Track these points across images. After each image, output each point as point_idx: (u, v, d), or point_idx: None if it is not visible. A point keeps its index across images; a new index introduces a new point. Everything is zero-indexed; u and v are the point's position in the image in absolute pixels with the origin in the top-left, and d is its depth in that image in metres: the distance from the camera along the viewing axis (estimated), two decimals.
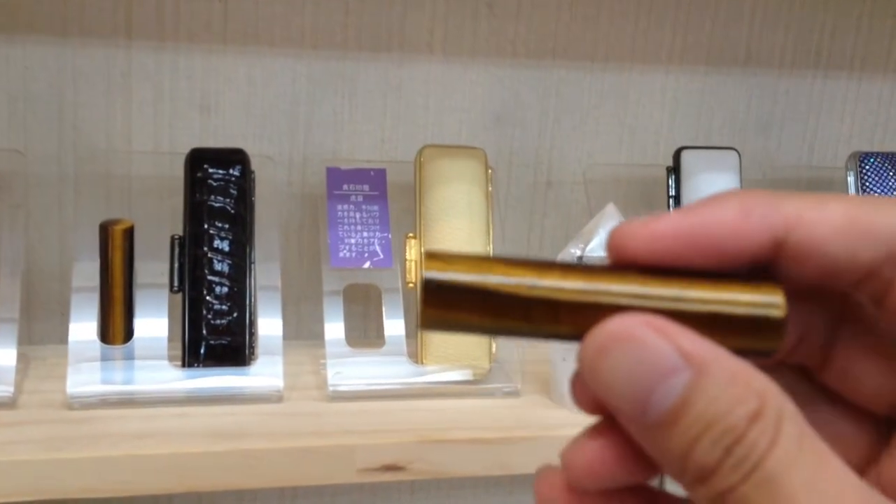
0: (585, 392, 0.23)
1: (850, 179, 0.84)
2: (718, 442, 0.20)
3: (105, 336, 0.67)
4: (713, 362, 0.21)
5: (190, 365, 0.67)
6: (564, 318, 0.22)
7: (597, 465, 0.23)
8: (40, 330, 0.78)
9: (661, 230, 0.23)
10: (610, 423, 0.23)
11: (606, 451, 0.23)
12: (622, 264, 0.23)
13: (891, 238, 0.22)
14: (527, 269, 0.23)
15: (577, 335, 0.22)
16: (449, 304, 0.22)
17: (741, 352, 0.22)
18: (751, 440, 0.20)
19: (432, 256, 0.22)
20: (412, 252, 0.73)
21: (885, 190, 0.83)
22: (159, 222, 0.71)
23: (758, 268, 0.23)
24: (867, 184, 0.83)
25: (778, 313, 0.22)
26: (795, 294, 0.23)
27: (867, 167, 0.84)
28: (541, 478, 0.24)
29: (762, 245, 0.23)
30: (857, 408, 0.25)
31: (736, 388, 0.21)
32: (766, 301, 0.22)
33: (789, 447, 0.20)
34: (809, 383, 0.26)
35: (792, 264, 0.23)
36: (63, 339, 0.75)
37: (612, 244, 0.23)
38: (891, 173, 0.83)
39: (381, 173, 0.76)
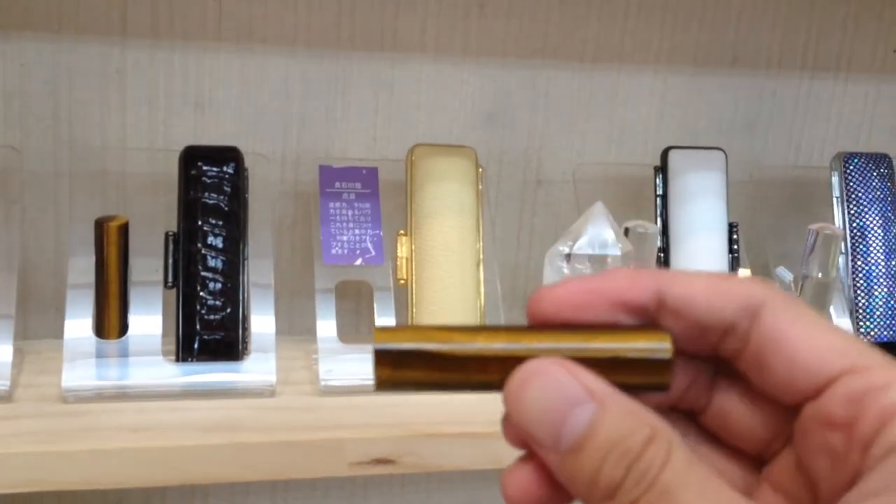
0: (512, 429, 0.27)
1: (835, 180, 0.85)
2: (620, 462, 0.24)
3: (100, 331, 0.68)
4: (609, 398, 0.25)
5: (184, 360, 0.68)
6: (493, 370, 0.27)
7: (526, 487, 0.27)
8: (35, 325, 0.79)
9: (565, 293, 0.28)
10: (533, 454, 0.27)
11: (533, 476, 0.27)
12: (540, 323, 0.28)
13: (744, 298, 0.27)
14: (460, 334, 0.27)
15: (503, 383, 0.27)
16: (397, 366, 0.28)
17: (640, 387, 0.27)
18: (647, 459, 0.24)
19: (381, 330, 0.28)
20: (404, 249, 0.74)
21: (869, 189, 0.84)
22: (153, 219, 0.72)
23: (650, 323, 0.28)
24: (851, 184, 0.84)
25: (666, 354, 0.27)
26: (684, 346, 0.28)
27: (851, 167, 0.85)
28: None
29: (647, 301, 0.28)
30: (733, 447, 0.29)
31: (632, 419, 0.25)
32: (656, 346, 0.27)
33: (679, 466, 0.24)
34: (696, 426, 0.30)
35: (672, 320, 0.28)
36: (57, 334, 0.76)
37: (529, 308, 0.28)
38: (874, 174, 0.85)
39: (373, 171, 0.77)
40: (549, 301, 0.28)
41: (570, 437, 0.25)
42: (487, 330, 0.28)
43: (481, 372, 0.27)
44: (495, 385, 0.27)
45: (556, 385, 0.25)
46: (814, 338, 0.26)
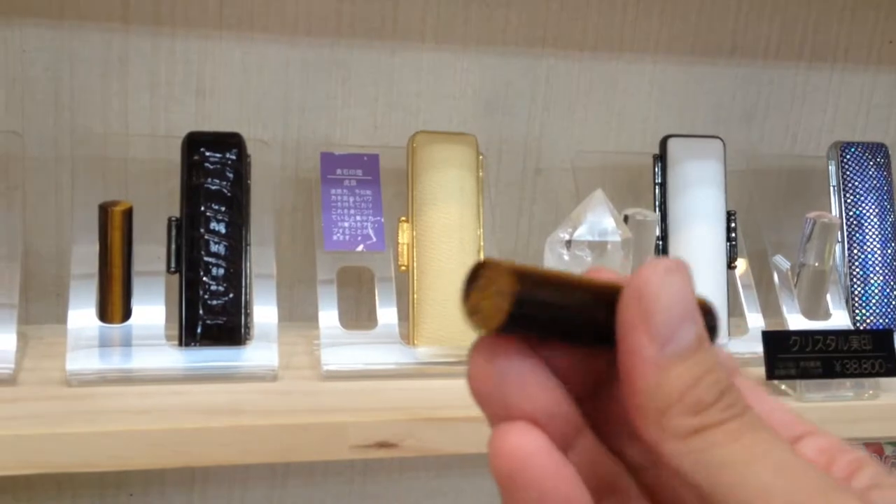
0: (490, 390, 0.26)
1: (832, 169, 0.86)
2: (714, 386, 0.25)
3: (104, 315, 0.68)
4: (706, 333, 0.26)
5: (187, 344, 0.68)
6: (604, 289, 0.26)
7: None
8: (36, 310, 0.79)
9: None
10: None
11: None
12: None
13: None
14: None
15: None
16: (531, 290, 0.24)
17: None
18: (735, 394, 0.25)
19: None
20: (405, 236, 0.74)
21: (865, 178, 0.85)
22: (155, 204, 0.72)
23: None
24: (847, 173, 0.85)
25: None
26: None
27: (848, 157, 0.86)
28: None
29: None
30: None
31: (719, 360, 0.25)
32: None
33: (757, 414, 0.25)
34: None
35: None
36: (59, 319, 0.76)
37: None
38: (870, 163, 0.86)
39: (374, 158, 0.78)
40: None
41: (682, 342, 0.25)
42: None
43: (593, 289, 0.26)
44: (607, 299, 0.26)
45: (690, 286, 0.25)
46: (782, 406, 0.29)
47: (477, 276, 0.24)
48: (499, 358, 0.25)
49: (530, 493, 0.25)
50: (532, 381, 0.25)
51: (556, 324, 0.25)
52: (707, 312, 0.27)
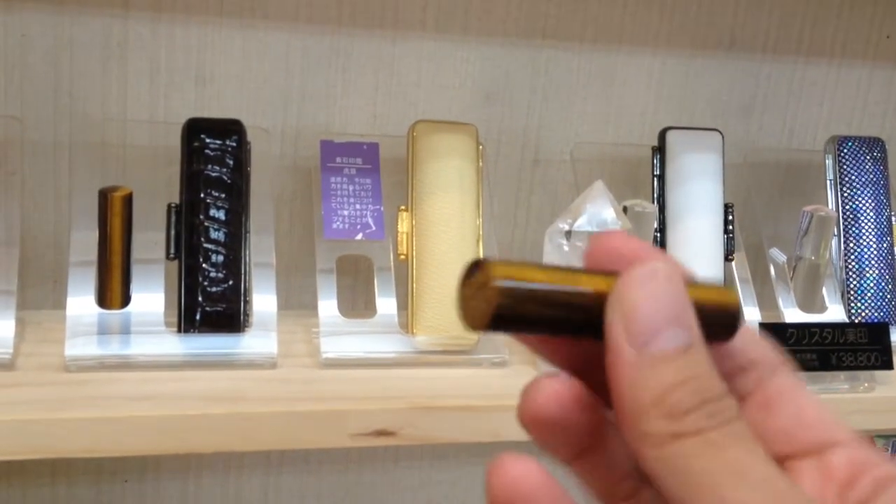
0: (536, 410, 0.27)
1: (828, 162, 0.86)
2: (697, 393, 0.24)
3: (103, 301, 0.68)
4: (701, 340, 0.25)
5: (186, 331, 0.68)
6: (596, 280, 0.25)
7: (558, 396, 0.26)
8: (33, 296, 0.79)
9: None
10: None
11: (567, 387, 0.26)
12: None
13: (769, 349, 0.28)
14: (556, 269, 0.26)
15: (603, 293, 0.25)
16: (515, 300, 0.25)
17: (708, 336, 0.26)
18: (723, 405, 0.24)
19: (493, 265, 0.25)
20: (404, 225, 0.74)
21: (861, 172, 0.85)
22: (153, 191, 0.72)
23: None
24: (844, 167, 0.85)
25: (735, 307, 0.27)
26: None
27: (845, 151, 0.86)
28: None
29: None
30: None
31: (714, 369, 0.25)
32: (727, 298, 0.27)
33: (748, 427, 0.24)
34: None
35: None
36: (56, 304, 0.76)
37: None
38: (867, 157, 0.86)
39: (373, 147, 0.78)
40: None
41: (665, 343, 0.24)
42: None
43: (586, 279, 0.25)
44: (598, 291, 0.25)
45: (679, 291, 0.25)
46: (822, 407, 0.28)
47: (471, 274, 0.25)
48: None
49: None
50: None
51: (543, 326, 0.25)
52: (723, 310, 0.27)
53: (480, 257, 0.27)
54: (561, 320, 0.25)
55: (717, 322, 0.26)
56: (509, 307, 0.24)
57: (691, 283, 0.26)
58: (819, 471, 0.26)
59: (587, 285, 0.25)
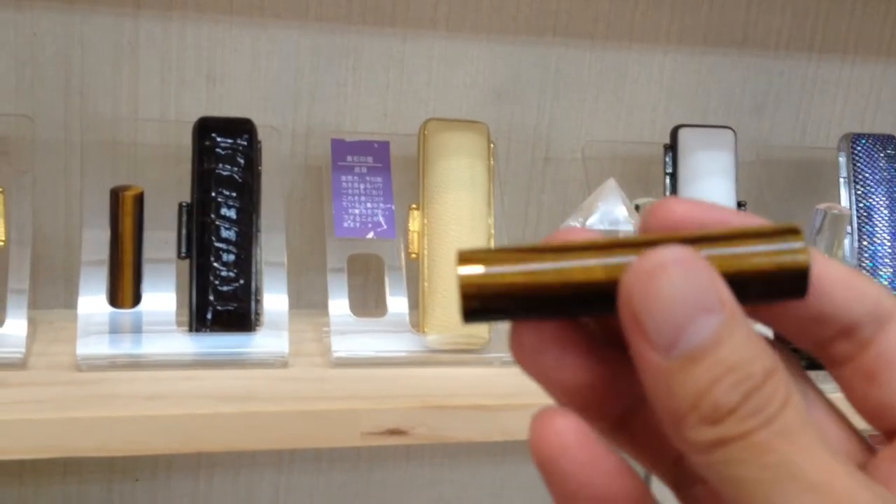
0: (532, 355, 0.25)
1: (842, 160, 0.86)
2: (738, 386, 0.21)
3: (114, 300, 0.68)
4: (739, 314, 0.22)
5: (197, 330, 0.68)
6: (594, 258, 0.23)
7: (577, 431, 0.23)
8: (44, 295, 0.79)
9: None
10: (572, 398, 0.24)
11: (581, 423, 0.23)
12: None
13: (875, 302, 0.24)
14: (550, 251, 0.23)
15: (607, 282, 0.22)
16: (487, 293, 0.23)
17: (773, 297, 0.23)
18: (767, 393, 0.21)
19: (465, 254, 0.23)
20: (415, 223, 0.74)
21: (875, 170, 0.85)
22: (164, 190, 0.72)
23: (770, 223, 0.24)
24: (858, 165, 0.85)
25: (802, 261, 0.23)
26: (784, 334, 0.25)
27: (858, 148, 0.85)
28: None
29: None
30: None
31: (755, 344, 0.21)
32: (790, 251, 0.23)
33: (800, 409, 0.21)
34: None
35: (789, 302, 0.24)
36: (67, 303, 0.76)
37: (649, 216, 0.24)
38: (881, 154, 0.85)
39: (384, 145, 0.77)
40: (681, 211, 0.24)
41: (691, 342, 0.21)
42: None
43: (582, 261, 0.22)
44: (597, 283, 0.22)
45: (695, 280, 0.21)
46: None
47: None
48: (534, 335, 0.24)
49: (568, 486, 0.23)
50: (568, 353, 0.24)
51: (525, 313, 0.23)
52: (779, 267, 0.22)
53: (461, 250, 0.24)
54: (543, 305, 0.23)
55: (775, 280, 0.23)
56: (476, 297, 0.23)
57: (731, 233, 0.23)
58: None
59: (572, 262, 0.23)
